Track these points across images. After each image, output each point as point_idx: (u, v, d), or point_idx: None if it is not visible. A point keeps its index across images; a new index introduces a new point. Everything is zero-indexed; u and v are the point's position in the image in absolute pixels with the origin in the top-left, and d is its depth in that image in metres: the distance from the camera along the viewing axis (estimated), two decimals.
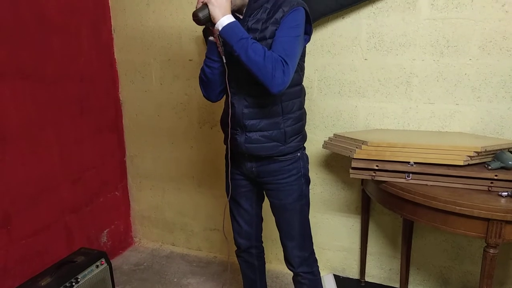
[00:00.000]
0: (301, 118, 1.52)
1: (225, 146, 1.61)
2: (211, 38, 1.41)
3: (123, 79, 2.56)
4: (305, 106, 1.57)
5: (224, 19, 1.31)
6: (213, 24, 1.33)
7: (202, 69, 1.48)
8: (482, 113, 1.87)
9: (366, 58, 1.98)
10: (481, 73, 1.83)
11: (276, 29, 1.35)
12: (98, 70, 2.40)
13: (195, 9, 1.33)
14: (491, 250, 1.42)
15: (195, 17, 1.33)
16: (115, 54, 2.52)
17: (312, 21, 1.46)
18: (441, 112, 1.93)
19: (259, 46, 1.29)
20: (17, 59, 1.87)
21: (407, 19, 1.87)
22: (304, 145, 1.58)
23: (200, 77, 1.51)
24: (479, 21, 1.78)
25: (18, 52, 1.87)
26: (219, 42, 1.38)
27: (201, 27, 2.26)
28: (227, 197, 1.63)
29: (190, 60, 2.36)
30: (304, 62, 1.51)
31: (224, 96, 1.55)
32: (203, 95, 1.53)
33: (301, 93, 1.52)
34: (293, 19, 1.34)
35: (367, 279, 2.27)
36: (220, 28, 1.31)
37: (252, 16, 1.41)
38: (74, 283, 1.73)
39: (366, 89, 2.02)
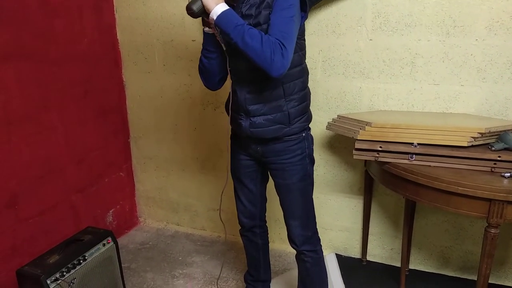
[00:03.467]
0: (305, 98, 1.52)
1: (229, 127, 1.63)
2: (206, 29, 1.42)
3: (126, 60, 2.54)
4: (309, 87, 1.56)
5: (218, 8, 1.30)
6: (208, 15, 1.33)
7: (200, 60, 1.50)
8: (487, 94, 1.86)
9: (371, 39, 1.96)
10: (487, 54, 1.81)
11: (269, 13, 1.34)
12: (101, 51, 2.38)
13: (188, 2, 1.32)
14: (492, 230, 1.44)
15: (189, 10, 1.32)
16: (117, 35, 2.51)
17: (316, 1, 1.44)
18: (446, 93, 1.92)
19: (255, 31, 1.28)
20: (21, 42, 1.86)
21: None
22: (309, 126, 1.58)
23: (199, 67, 1.54)
24: (486, 1, 1.75)
25: (21, 35, 1.86)
26: (216, 31, 1.37)
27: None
28: (232, 177, 1.64)
29: (193, 40, 2.34)
30: (304, 40, 1.50)
31: (230, 82, 1.56)
32: (204, 85, 1.57)
33: (303, 73, 1.51)
34: (284, 0, 1.32)
35: (368, 258, 2.31)
36: (215, 18, 1.30)
37: (245, 2, 1.39)
38: (81, 261, 1.77)
39: (371, 70, 2.01)
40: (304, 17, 1.43)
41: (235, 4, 1.41)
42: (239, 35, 1.27)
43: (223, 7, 1.30)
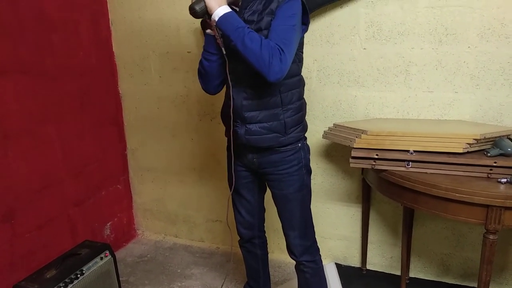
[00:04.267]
0: (301, 108, 1.53)
1: (226, 138, 1.62)
2: (208, 31, 1.42)
3: (122, 73, 2.56)
4: (304, 97, 1.57)
5: (220, 10, 1.31)
6: (210, 16, 1.34)
7: (201, 62, 1.49)
8: (481, 100, 1.87)
9: (364, 48, 1.98)
10: (479, 61, 1.83)
11: (271, 20, 1.35)
12: (98, 64, 2.39)
13: (191, 3, 1.33)
14: (491, 236, 1.44)
15: (192, 10, 1.34)
16: (113, 47, 2.52)
17: (309, 11, 1.45)
18: (440, 100, 1.93)
19: (255, 35, 1.29)
20: (18, 56, 1.87)
21: (406, 7, 1.87)
22: (305, 135, 1.58)
23: (198, 70, 1.52)
24: (477, 9, 1.77)
25: (18, 49, 1.87)
26: (217, 34, 1.38)
27: (199, 19, 2.25)
28: (230, 189, 1.64)
29: (188, 52, 2.36)
30: (302, 52, 1.51)
31: (225, 89, 1.56)
32: (202, 88, 1.55)
33: (300, 83, 1.52)
34: (288, 8, 1.34)
35: (368, 267, 2.30)
36: (216, 19, 1.31)
37: (248, 8, 1.41)
38: (79, 275, 1.75)
39: (365, 78, 2.02)
40: (304, 30, 1.45)
41: (237, 10, 1.42)
42: (239, 37, 1.28)
43: (225, 9, 1.32)
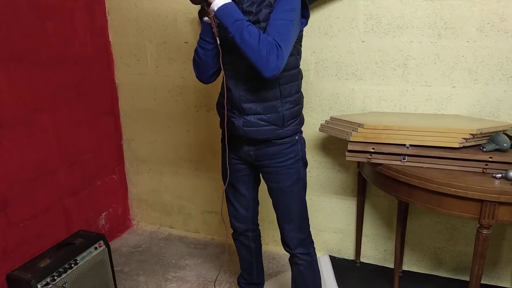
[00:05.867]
0: (299, 101, 1.52)
1: (221, 130, 1.61)
2: (205, 18, 1.40)
3: (119, 62, 2.53)
4: (302, 89, 1.56)
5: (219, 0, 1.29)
6: (208, 3, 1.32)
7: (196, 50, 1.47)
8: (479, 95, 1.87)
9: (363, 40, 1.97)
10: (478, 55, 1.82)
11: (269, 12, 1.33)
12: (93, 54, 2.37)
13: None
14: (484, 231, 1.45)
15: None
16: (110, 37, 2.49)
17: (308, 3, 1.44)
18: (438, 94, 1.93)
19: (254, 29, 1.28)
20: (12, 44, 1.84)
21: (405, 0, 1.85)
22: (301, 128, 1.58)
23: (193, 58, 1.50)
24: (477, 3, 1.76)
25: (12, 37, 1.84)
26: (213, 23, 1.36)
27: (197, 9, 2.23)
28: (224, 182, 1.63)
29: (185, 42, 2.34)
30: (301, 46, 1.50)
31: (221, 79, 1.54)
32: (196, 76, 1.53)
33: (299, 76, 1.51)
34: (287, 2, 1.32)
35: (362, 260, 2.31)
36: (215, 9, 1.29)
37: None
38: (73, 265, 1.75)
39: (363, 71, 2.01)
40: (304, 23, 1.43)
41: (236, 0, 1.40)
42: (237, 30, 1.26)
43: None
